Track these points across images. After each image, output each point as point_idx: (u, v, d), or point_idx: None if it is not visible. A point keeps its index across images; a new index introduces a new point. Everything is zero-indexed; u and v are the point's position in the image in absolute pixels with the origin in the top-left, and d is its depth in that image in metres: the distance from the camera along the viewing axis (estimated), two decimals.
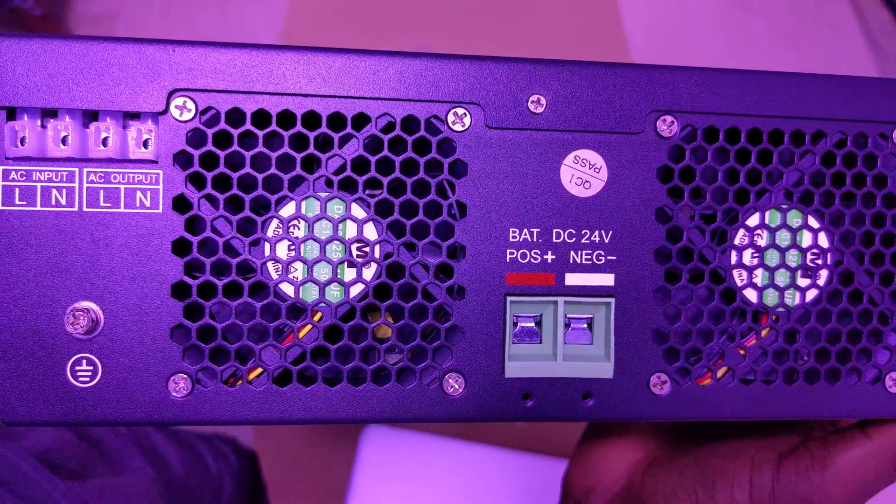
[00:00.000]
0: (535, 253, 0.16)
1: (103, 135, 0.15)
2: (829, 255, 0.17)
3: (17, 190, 0.15)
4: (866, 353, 0.17)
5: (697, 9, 1.00)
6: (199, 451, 0.44)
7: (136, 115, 0.15)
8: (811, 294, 0.17)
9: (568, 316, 0.16)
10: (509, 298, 0.16)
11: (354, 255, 0.15)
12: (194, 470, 0.42)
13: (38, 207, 0.15)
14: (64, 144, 0.15)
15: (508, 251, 0.16)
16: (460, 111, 0.16)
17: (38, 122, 0.15)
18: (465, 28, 0.62)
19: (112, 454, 0.36)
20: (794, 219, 0.17)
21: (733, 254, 0.17)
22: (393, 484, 0.42)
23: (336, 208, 0.15)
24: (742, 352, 0.17)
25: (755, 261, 0.17)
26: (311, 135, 0.15)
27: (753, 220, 0.17)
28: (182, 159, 0.15)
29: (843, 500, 0.17)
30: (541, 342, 0.16)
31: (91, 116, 0.15)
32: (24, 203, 0.15)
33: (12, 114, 0.15)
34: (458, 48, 0.61)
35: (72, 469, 0.31)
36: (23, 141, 0.15)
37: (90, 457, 0.34)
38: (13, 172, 0.15)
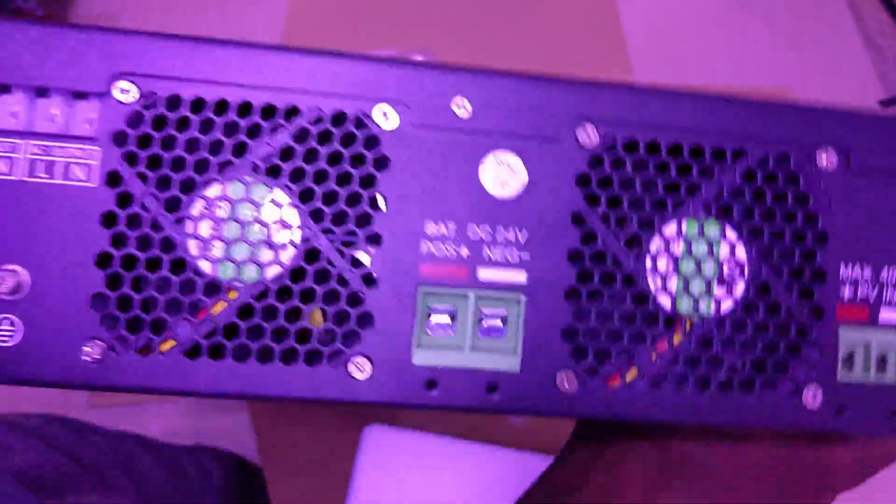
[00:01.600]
0: (450, 246, 0.17)
1: (51, 111, 0.16)
2: (745, 267, 0.17)
3: None
4: (782, 366, 0.17)
5: (697, 9, 0.99)
6: (184, 468, 0.45)
7: (83, 96, 0.16)
8: (727, 304, 0.17)
9: (483, 311, 0.17)
10: (421, 289, 0.16)
11: (273, 239, 0.16)
12: (176, 488, 0.42)
13: None
14: (14, 118, 0.16)
15: (423, 243, 0.16)
16: (387, 109, 0.17)
17: None
18: (464, 27, 0.63)
19: (95, 472, 0.36)
20: (712, 229, 0.17)
21: (648, 260, 0.17)
22: (393, 484, 0.43)
23: (260, 193, 0.16)
24: (653, 356, 0.17)
25: (670, 267, 0.17)
26: (243, 122, 0.16)
27: (670, 230, 0.17)
28: (120, 139, 0.16)
29: None
30: (454, 334, 0.17)
31: (41, 93, 0.16)
32: None
33: None
34: (457, 47, 0.61)
35: (52, 487, 0.31)
36: None
37: (72, 475, 0.34)
38: None
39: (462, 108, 0.17)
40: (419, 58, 0.59)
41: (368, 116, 0.17)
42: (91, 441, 0.38)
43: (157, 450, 0.43)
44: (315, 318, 0.17)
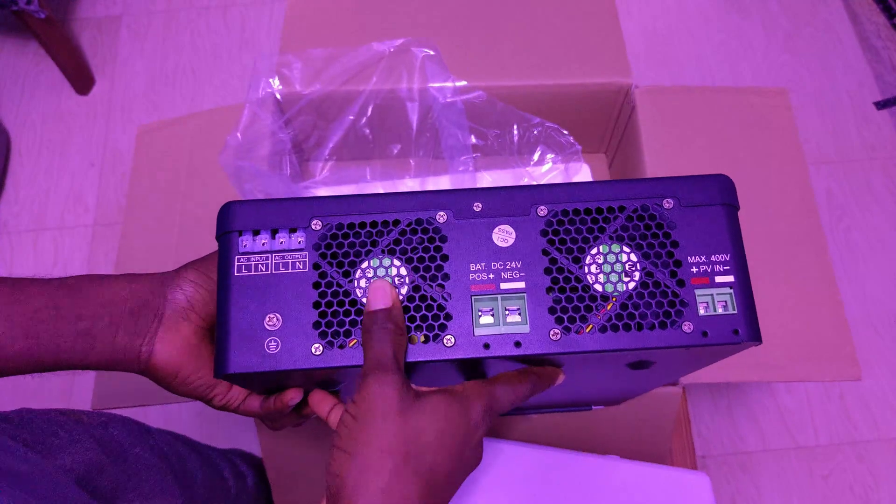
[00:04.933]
0: (484, 275, 0.33)
1: (280, 239, 0.33)
2: (637, 264, 0.33)
3: (242, 266, 0.33)
4: (668, 313, 0.32)
5: (694, 12, 1.02)
6: (222, 472, 0.49)
7: (295, 230, 0.33)
8: (631, 285, 0.33)
9: (506, 305, 0.32)
10: (473, 297, 0.32)
11: (396, 282, 0.32)
12: (216, 491, 0.46)
13: (252, 273, 0.32)
14: (264, 244, 0.33)
15: (471, 275, 0.33)
16: (441, 213, 0.34)
17: (251, 236, 0.33)
18: (464, 27, 0.63)
19: (148, 478, 0.40)
20: (616, 247, 0.33)
21: (586, 267, 0.33)
22: None
23: (387, 262, 0.33)
24: (598, 316, 0.32)
25: (599, 269, 0.33)
26: (374, 230, 0.33)
27: (594, 250, 0.33)
28: (316, 247, 0.33)
29: None
30: (493, 318, 0.32)
31: (275, 232, 0.33)
32: (246, 271, 0.32)
33: (240, 233, 0.33)
34: (456, 45, 0.62)
35: (104, 492, 0.37)
36: (245, 244, 0.33)
37: (125, 483, 0.38)
38: (241, 257, 0.33)
39: (478, 205, 0.34)
40: (420, 52, 0.62)
41: (434, 218, 0.33)
42: (147, 444, 0.42)
43: (201, 452, 0.47)
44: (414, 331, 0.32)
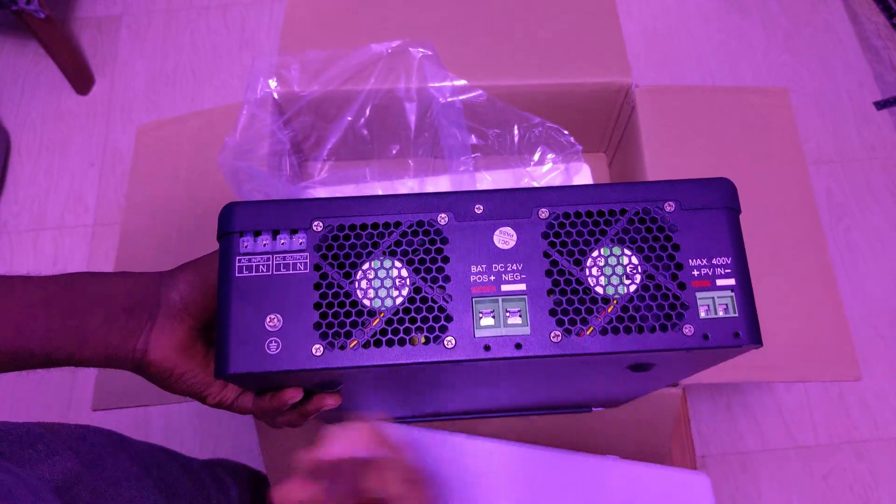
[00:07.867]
0: (485, 277, 0.33)
1: (281, 240, 0.33)
2: (639, 266, 0.33)
3: (243, 267, 0.32)
4: (669, 316, 0.32)
5: (694, 13, 1.03)
6: (205, 483, 0.49)
7: (296, 231, 0.33)
8: (632, 287, 0.33)
9: (506, 307, 0.32)
10: (474, 299, 0.32)
11: (398, 284, 0.32)
12: (199, 502, 0.46)
13: (253, 274, 0.32)
14: (265, 246, 0.33)
15: (472, 276, 0.32)
16: (443, 215, 0.33)
17: (252, 237, 0.33)
18: (464, 26, 0.64)
19: (124, 486, 0.40)
20: (618, 250, 0.33)
21: (587, 269, 0.33)
22: None
23: (388, 264, 0.33)
24: (599, 319, 0.32)
25: (600, 272, 0.33)
26: (375, 232, 0.33)
27: (595, 253, 0.33)
28: (317, 248, 0.33)
29: None
30: (494, 320, 0.32)
31: (276, 233, 0.33)
32: (247, 272, 0.32)
33: (241, 234, 0.33)
34: (456, 45, 0.62)
35: (83, 502, 0.36)
36: (246, 245, 0.33)
37: (101, 489, 0.38)
38: (242, 258, 0.33)
39: (479, 208, 0.34)
40: (418, 53, 0.61)
41: (434, 220, 0.33)
42: (127, 453, 0.42)
43: (182, 462, 0.47)
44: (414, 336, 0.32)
